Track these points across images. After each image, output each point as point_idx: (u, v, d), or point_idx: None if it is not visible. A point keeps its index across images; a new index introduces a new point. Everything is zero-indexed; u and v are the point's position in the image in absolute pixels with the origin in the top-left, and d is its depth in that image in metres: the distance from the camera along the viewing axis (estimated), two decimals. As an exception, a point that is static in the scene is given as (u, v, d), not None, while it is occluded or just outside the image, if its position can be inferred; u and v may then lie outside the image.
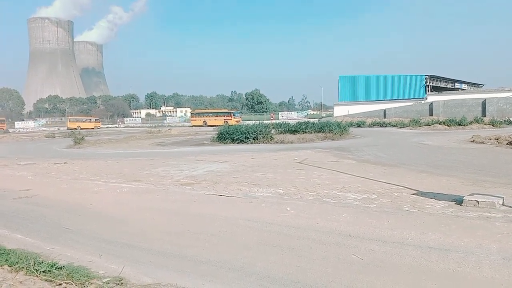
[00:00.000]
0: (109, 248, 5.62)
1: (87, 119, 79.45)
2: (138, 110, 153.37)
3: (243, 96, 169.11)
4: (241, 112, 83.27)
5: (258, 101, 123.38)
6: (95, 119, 79.68)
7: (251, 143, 24.83)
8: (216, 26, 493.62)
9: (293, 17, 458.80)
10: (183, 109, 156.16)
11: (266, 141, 25.26)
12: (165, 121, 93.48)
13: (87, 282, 4.23)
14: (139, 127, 77.43)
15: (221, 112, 72.04)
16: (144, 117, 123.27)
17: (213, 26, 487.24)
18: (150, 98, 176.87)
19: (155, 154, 20.58)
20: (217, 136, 27.20)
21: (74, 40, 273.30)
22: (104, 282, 4.25)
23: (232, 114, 67.28)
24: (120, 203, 8.77)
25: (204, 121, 66.51)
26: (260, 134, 25.70)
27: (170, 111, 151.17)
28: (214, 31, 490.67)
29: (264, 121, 34.99)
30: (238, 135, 25.53)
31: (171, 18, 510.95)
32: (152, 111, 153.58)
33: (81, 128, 67.55)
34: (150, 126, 72.31)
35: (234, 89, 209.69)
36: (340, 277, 4.31)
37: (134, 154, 20.70)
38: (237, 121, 60.09)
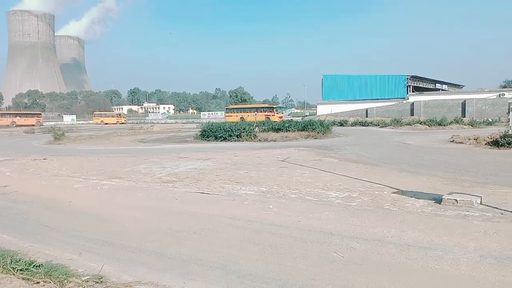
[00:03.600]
0: (89, 246, 5.55)
1: (110, 114, 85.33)
2: (120, 106, 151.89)
3: (227, 93, 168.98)
4: (284, 107, 74.45)
5: (242, 98, 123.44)
6: (117, 114, 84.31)
7: (235, 141, 24.79)
8: (200, 24, 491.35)
9: (278, 16, 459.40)
10: (166, 106, 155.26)
11: (250, 139, 25.27)
12: (147, 118, 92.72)
13: (65, 281, 4.17)
14: (121, 123, 76.48)
15: (261, 108, 62.76)
16: (126, 113, 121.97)
17: (198, 23, 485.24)
18: (133, 94, 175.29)
19: (136, 151, 20.37)
20: (200, 133, 27.09)
21: (55, 34, 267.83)
22: (83, 280, 4.19)
23: (275, 109, 59.20)
24: (100, 200, 8.65)
25: (241, 117, 55.20)
26: (243, 132, 25.70)
27: (153, 108, 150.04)
28: (199, 29, 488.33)
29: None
30: (222, 132, 25.47)
31: (155, 15, 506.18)
32: (135, 108, 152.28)
33: (105, 123, 71.54)
34: (132, 123, 71.63)
35: (218, 87, 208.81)
36: (321, 274, 4.34)
37: (116, 151, 20.43)
38: (280, 117, 52.83)
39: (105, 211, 7.68)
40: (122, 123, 72.18)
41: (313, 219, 6.52)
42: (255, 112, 58.02)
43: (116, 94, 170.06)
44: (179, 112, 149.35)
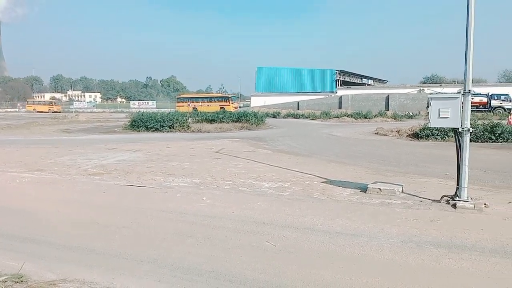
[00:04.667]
0: (7, 244, 5.14)
1: (43, 102, 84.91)
2: (42, 94, 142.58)
3: (159, 82, 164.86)
4: (238, 97, 70.98)
5: (175, 88, 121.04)
6: (50, 102, 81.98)
7: (167, 132, 24.31)
8: (129, 8, 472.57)
9: (213, 7, 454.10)
10: (92, 94, 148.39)
11: (183, 129, 24.93)
12: (72, 106, 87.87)
13: (-21, 282, 3.83)
14: (53, 112, 71.53)
15: (216, 97, 61.43)
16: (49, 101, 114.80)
17: (127, 8, 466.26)
18: (56, 81, 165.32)
19: (60, 141, 19.21)
20: (129, 123, 26.18)
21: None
22: (0, 281, 3.88)
23: (230, 99, 57.29)
24: (20, 194, 8.05)
25: (194, 107, 54.50)
26: (176, 123, 25.27)
27: (78, 96, 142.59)
28: (128, 13, 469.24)
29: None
30: (153, 123, 24.82)
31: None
32: (58, 95, 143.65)
33: (38, 111, 68.05)
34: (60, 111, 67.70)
35: (149, 75, 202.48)
36: (254, 264, 4.39)
37: (37, 141, 19.13)
38: (235, 108, 52.11)
39: (25, 205, 7.16)
40: (55, 112, 67.30)
41: (246, 210, 6.58)
42: (209, 102, 56.32)
43: (37, 80, 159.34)
44: (107, 101, 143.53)
